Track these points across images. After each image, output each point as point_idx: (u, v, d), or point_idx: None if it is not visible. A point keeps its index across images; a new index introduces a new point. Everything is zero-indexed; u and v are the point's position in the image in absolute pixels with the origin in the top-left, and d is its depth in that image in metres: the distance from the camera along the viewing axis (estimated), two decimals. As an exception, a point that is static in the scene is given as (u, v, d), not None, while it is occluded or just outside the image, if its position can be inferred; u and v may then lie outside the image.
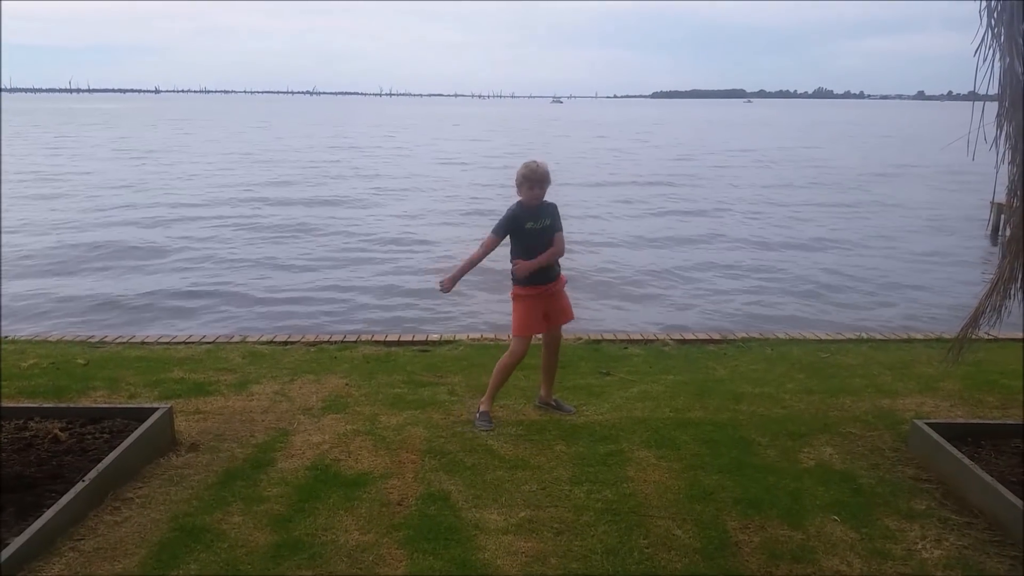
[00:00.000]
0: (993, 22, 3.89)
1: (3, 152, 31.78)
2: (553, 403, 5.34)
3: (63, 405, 5.02)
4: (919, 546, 3.66)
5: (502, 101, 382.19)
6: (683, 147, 45.75)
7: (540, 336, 5.24)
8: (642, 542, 3.67)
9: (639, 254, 15.33)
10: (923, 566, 3.50)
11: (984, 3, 3.87)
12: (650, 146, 46.03)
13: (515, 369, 5.18)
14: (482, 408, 5.13)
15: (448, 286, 4.91)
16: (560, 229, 5.03)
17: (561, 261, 5.09)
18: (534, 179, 4.87)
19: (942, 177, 29.75)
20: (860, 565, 3.50)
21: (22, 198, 21.83)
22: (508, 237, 4.96)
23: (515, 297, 5.06)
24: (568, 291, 5.26)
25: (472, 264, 4.95)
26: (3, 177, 23.83)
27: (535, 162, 4.93)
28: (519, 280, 4.98)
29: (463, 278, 4.99)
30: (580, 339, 7.20)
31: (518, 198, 4.97)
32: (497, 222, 4.95)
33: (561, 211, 5.09)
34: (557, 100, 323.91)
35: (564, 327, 5.33)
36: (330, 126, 72.37)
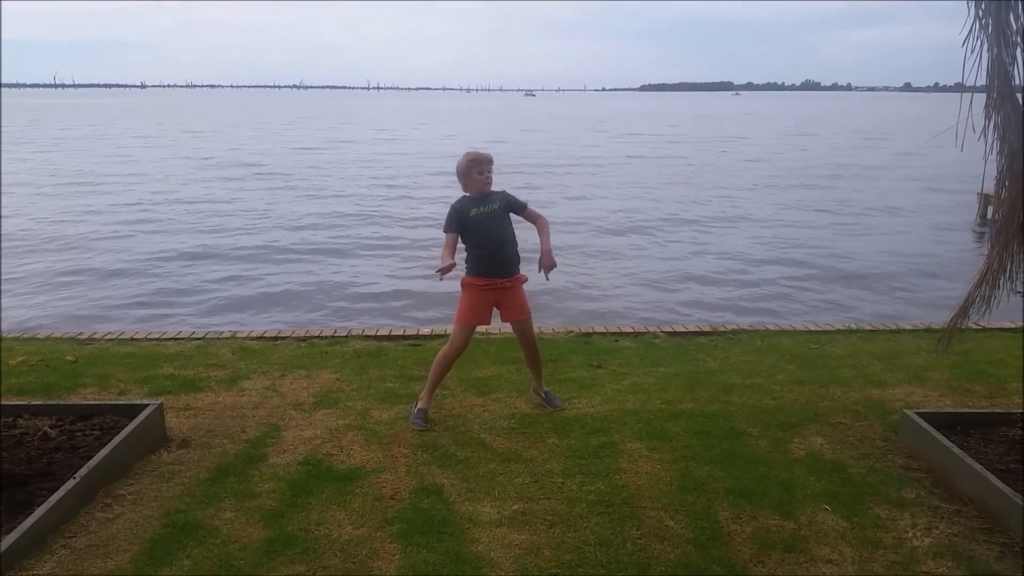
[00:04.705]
0: (981, 13, 3.91)
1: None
2: (543, 395, 5.31)
3: (52, 402, 5.00)
4: (909, 534, 3.69)
5: (490, 95, 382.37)
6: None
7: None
8: (635, 533, 3.69)
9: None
10: (914, 554, 3.53)
11: None
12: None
13: (455, 361, 5.05)
14: (419, 405, 5.01)
15: (446, 270, 4.71)
16: (525, 205, 4.99)
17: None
18: (481, 159, 4.83)
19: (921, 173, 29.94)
20: (851, 554, 3.53)
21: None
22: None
23: (463, 285, 4.99)
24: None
25: (448, 262, 4.72)
26: (2, 177, 23.56)
27: (473, 149, 4.93)
28: (472, 269, 4.91)
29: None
30: (571, 332, 7.21)
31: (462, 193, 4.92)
32: (445, 223, 4.89)
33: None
34: (529, 93, 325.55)
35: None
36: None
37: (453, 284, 5.22)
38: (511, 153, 35.17)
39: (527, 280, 5.10)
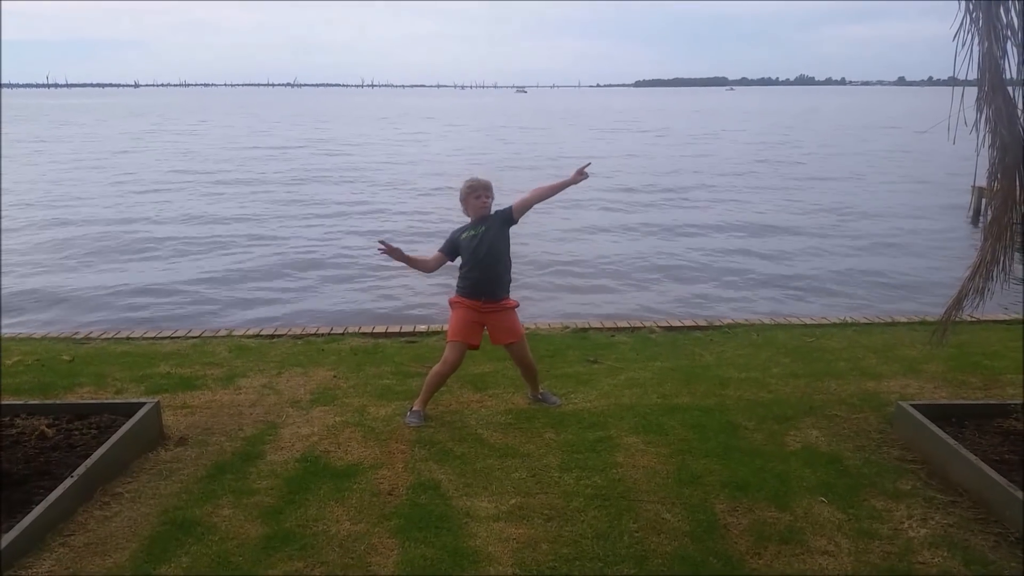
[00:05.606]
0: (971, 7, 3.92)
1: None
2: (539, 396, 5.32)
3: (49, 402, 5.00)
4: (905, 525, 3.71)
5: (484, 91, 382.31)
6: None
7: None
8: (632, 526, 3.70)
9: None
10: (909, 545, 3.55)
11: None
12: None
13: (448, 378, 5.05)
14: (415, 407, 5.06)
15: (388, 250, 4.82)
16: (510, 206, 4.94)
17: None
18: (478, 186, 4.97)
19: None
20: (847, 545, 3.55)
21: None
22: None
23: (450, 305, 5.10)
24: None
25: (415, 263, 5.00)
26: (3, 174, 23.46)
27: (473, 176, 5.09)
28: (458, 288, 5.03)
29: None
30: (567, 328, 7.22)
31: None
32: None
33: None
34: (521, 90, 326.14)
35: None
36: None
37: (450, 284, 5.23)
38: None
39: (517, 305, 5.12)
